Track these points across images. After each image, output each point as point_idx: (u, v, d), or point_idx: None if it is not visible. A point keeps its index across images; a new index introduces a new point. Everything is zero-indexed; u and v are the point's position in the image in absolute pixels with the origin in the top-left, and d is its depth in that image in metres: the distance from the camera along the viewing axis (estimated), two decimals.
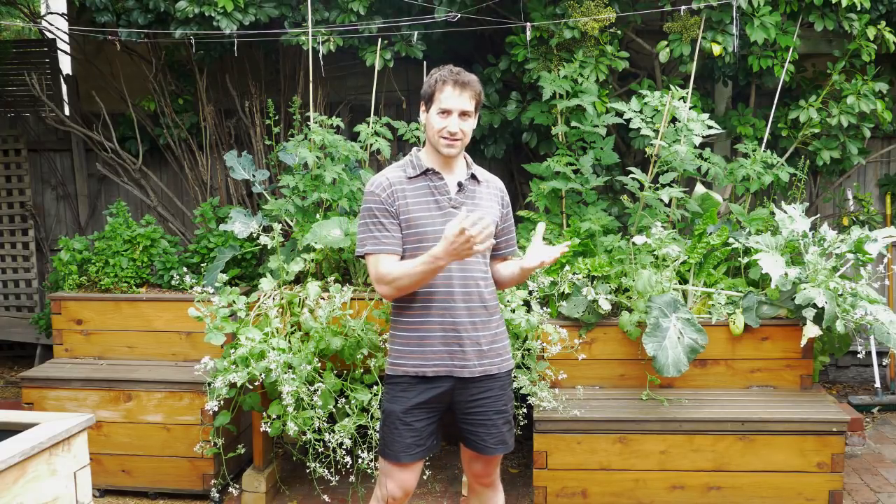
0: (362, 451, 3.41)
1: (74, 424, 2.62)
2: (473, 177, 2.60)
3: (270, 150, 5.10)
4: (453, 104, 2.46)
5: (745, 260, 3.94)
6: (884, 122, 4.59)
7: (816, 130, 4.58)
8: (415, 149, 2.64)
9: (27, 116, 6.13)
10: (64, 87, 6.00)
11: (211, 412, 3.54)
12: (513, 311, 3.57)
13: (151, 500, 3.93)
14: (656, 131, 4.03)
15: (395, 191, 2.52)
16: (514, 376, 3.55)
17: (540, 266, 2.53)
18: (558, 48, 4.40)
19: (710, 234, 3.93)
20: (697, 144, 4.02)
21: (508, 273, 2.68)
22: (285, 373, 3.36)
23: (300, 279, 3.95)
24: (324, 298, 3.62)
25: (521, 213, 4.41)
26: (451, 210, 2.52)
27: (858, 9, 4.33)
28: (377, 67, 4.40)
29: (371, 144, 4.17)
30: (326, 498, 3.62)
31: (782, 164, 4.37)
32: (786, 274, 3.59)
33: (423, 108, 2.56)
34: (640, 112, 4.10)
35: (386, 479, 2.61)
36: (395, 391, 2.57)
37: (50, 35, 5.87)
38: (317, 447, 3.46)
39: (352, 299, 3.63)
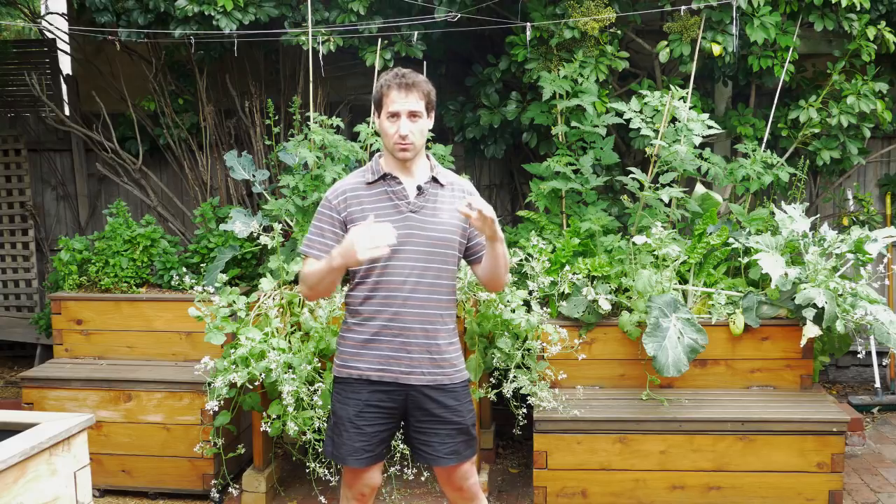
0: None
1: (74, 424, 2.62)
2: (435, 180, 2.55)
3: (270, 150, 5.10)
4: (400, 107, 2.44)
5: (745, 260, 3.94)
6: (884, 122, 4.59)
7: (816, 130, 4.58)
8: (377, 154, 2.63)
9: (27, 116, 6.13)
10: (64, 87, 6.00)
11: (211, 412, 3.54)
12: (513, 311, 3.57)
13: (151, 500, 3.93)
14: (656, 131, 4.03)
15: (348, 198, 2.52)
16: (514, 376, 3.55)
17: (479, 218, 2.33)
18: (558, 48, 4.40)
19: (710, 234, 3.93)
20: (697, 144, 4.02)
21: (484, 269, 2.56)
22: (285, 373, 3.36)
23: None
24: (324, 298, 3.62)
25: (521, 213, 4.42)
26: (409, 214, 2.48)
27: (858, 9, 4.32)
28: (377, 67, 4.40)
29: (371, 144, 4.17)
30: (323, 499, 3.62)
31: (782, 164, 4.37)
32: (786, 274, 3.59)
33: (375, 114, 2.55)
34: (640, 112, 4.10)
35: (349, 480, 2.58)
36: (345, 393, 2.52)
37: (50, 35, 5.87)
38: (317, 447, 3.46)
39: None
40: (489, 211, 2.34)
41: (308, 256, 2.53)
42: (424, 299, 2.47)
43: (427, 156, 2.60)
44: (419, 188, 2.52)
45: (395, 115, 2.46)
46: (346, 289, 3.21)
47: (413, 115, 2.46)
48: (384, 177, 2.53)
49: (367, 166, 2.59)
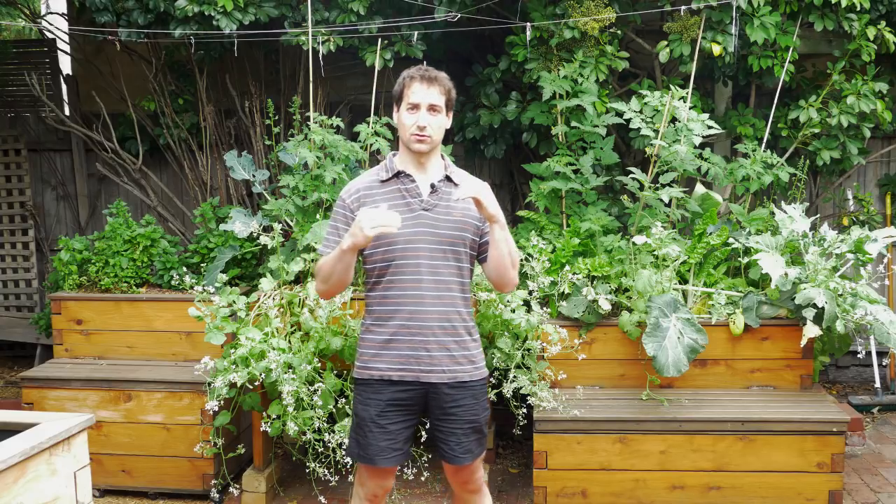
0: None
1: (74, 424, 2.62)
2: (449, 179, 2.55)
3: (270, 150, 5.10)
4: (421, 98, 2.46)
5: (745, 260, 3.94)
6: (884, 122, 4.59)
7: (816, 130, 4.58)
8: (391, 153, 2.64)
9: (27, 116, 6.13)
10: (64, 87, 6.00)
11: (211, 412, 3.54)
12: (513, 311, 3.57)
13: (151, 500, 3.93)
14: (656, 131, 4.03)
15: (361, 196, 2.52)
16: (514, 376, 3.55)
17: (478, 202, 2.35)
18: (558, 48, 4.40)
19: (710, 234, 3.93)
20: (697, 144, 4.02)
21: (489, 264, 2.54)
22: (285, 373, 3.36)
23: (300, 279, 3.95)
24: None
25: (521, 213, 4.42)
26: (422, 212, 2.49)
27: (858, 9, 4.32)
28: (377, 67, 4.40)
29: (371, 144, 4.17)
30: (323, 499, 3.62)
31: (782, 164, 4.37)
32: (786, 274, 3.59)
33: (394, 109, 2.56)
34: (640, 112, 4.10)
35: (365, 481, 2.59)
36: (366, 394, 2.53)
37: (50, 35, 5.87)
38: (317, 447, 3.46)
39: (352, 299, 3.63)
40: (474, 190, 2.33)
41: (324, 255, 2.53)
42: (439, 297, 2.48)
43: (441, 155, 2.61)
44: (432, 186, 2.52)
45: (415, 107, 2.47)
46: (347, 290, 3.20)
47: (433, 108, 2.47)
48: (398, 174, 2.54)
49: (382, 164, 2.60)
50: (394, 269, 2.48)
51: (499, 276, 2.54)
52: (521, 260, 3.84)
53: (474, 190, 2.34)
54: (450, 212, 2.51)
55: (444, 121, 2.52)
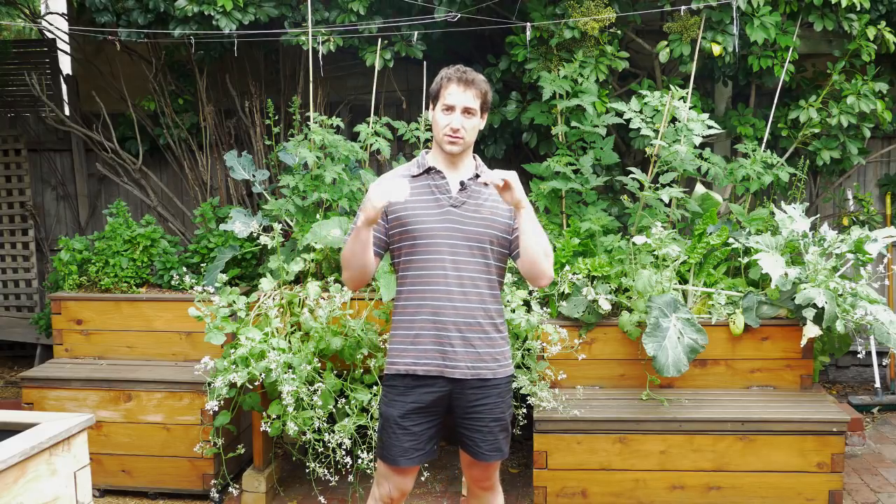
0: (362, 451, 3.41)
1: (74, 424, 2.62)
2: (479, 178, 2.58)
3: (270, 150, 5.10)
4: (456, 100, 2.49)
5: (745, 260, 3.94)
6: (884, 122, 4.59)
7: (816, 130, 4.58)
8: (424, 150, 2.66)
9: (27, 116, 6.13)
10: (64, 87, 6.00)
11: (211, 412, 3.54)
12: (513, 311, 3.57)
13: (151, 500, 3.93)
14: (656, 131, 4.03)
15: None
16: (514, 377, 3.55)
17: (505, 188, 2.38)
18: (558, 48, 4.40)
19: (710, 234, 3.93)
20: (697, 144, 4.02)
21: (522, 257, 2.52)
22: (285, 373, 3.36)
23: (300, 279, 3.95)
24: (324, 298, 3.62)
25: None
26: (450, 209, 2.51)
27: (858, 9, 4.32)
28: (377, 67, 4.40)
29: (371, 144, 4.17)
30: (322, 500, 3.62)
31: (782, 164, 4.37)
32: (786, 274, 3.59)
33: (431, 106, 2.58)
34: (640, 112, 4.10)
35: (383, 481, 2.62)
36: (392, 394, 2.56)
37: (50, 35, 5.87)
38: (316, 447, 3.46)
39: (352, 299, 3.64)
40: (495, 177, 2.35)
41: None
42: (465, 294, 2.49)
43: (474, 156, 2.63)
44: (462, 184, 2.54)
45: (450, 108, 2.50)
46: (345, 289, 3.22)
47: (467, 111, 2.50)
48: (428, 170, 2.57)
49: (415, 160, 2.64)
50: (419, 264, 2.51)
51: (532, 267, 2.51)
52: None
53: (502, 174, 2.36)
54: (478, 209, 2.53)
55: (479, 123, 2.55)
